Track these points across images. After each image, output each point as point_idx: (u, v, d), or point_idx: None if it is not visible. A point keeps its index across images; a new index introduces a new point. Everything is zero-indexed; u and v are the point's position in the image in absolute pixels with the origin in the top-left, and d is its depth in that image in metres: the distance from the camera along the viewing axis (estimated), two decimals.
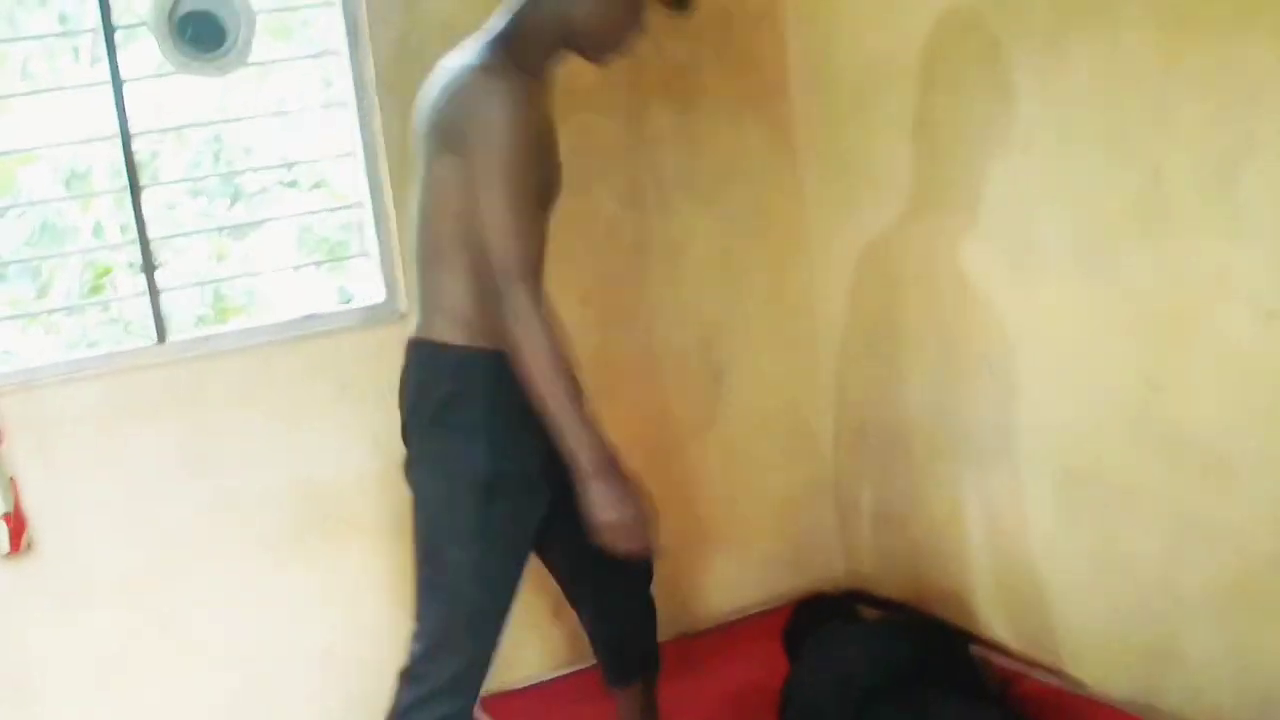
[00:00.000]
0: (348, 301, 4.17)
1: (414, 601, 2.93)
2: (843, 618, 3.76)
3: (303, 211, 4.70)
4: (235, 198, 5.96)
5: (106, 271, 5.95)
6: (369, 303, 3.93)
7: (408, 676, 2.91)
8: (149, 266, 3.71)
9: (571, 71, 2.97)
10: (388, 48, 3.81)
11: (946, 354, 3.93)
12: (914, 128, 3.83)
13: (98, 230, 5.92)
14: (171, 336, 3.76)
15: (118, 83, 3.63)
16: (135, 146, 3.71)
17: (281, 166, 4.81)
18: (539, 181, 2.75)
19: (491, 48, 2.76)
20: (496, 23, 2.84)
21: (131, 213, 3.71)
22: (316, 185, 5.47)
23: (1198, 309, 3.16)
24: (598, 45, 2.85)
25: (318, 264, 4.59)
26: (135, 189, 3.69)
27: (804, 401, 4.51)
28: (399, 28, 3.81)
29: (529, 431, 2.73)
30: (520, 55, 2.75)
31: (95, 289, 6.03)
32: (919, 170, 3.86)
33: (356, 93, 3.84)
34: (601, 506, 2.68)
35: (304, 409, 3.83)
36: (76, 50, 5.72)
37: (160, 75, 3.77)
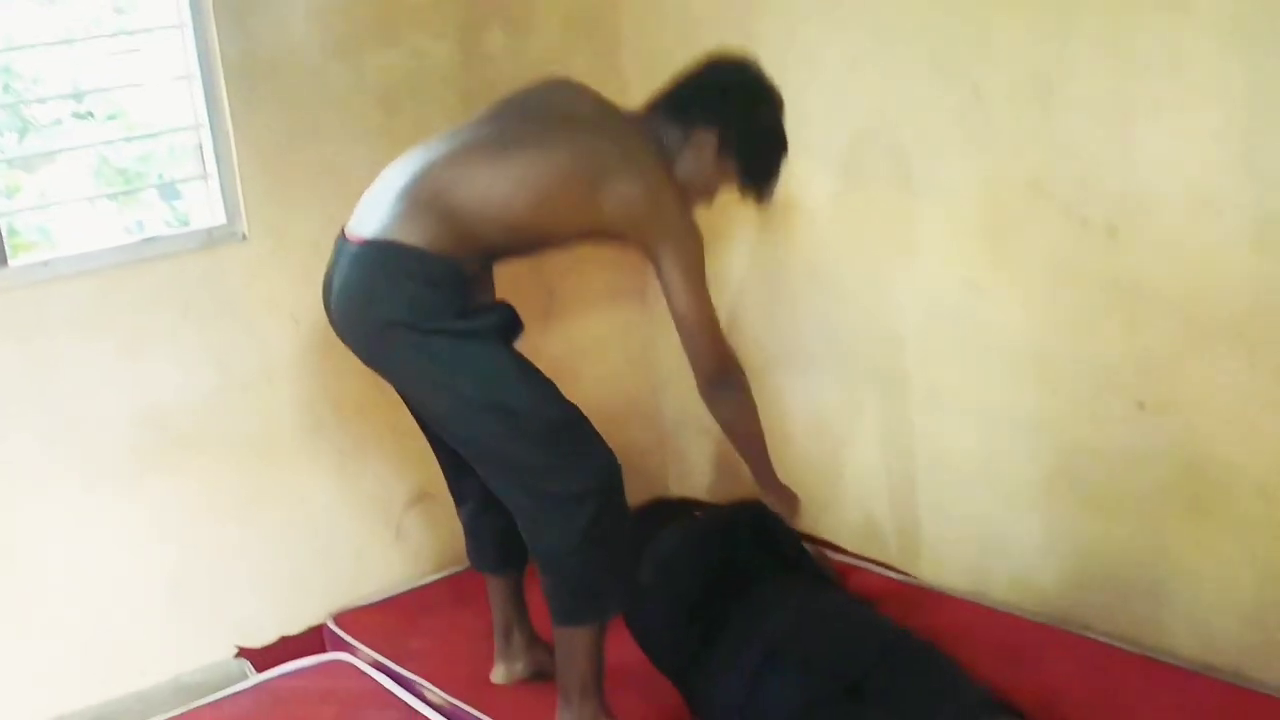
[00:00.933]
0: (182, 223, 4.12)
1: (496, 480, 3.09)
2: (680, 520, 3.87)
3: (134, 137, 4.58)
4: (24, 130, 5.80)
5: None
6: (209, 225, 3.90)
7: (548, 521, 3.03)
8: None
9: None
10: None
11: (775, 267, 4.08)
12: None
13: None
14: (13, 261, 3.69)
15: None
16: None
17: (73, 96, 4.70)
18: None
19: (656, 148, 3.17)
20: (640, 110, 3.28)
21: None
22: (112, 116, 5.36)
23: (1015, 217, 3.36)
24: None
25: (131, 190, 4.48)
26: None
27: (635, 323, 4.64)
28: None
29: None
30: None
31: None
32: None
33: (193, 13, 3.79)
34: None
35: (146, 333, 3.81)
36: None
37: None
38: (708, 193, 3.25)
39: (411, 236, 2.99)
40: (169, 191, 4.58)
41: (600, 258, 3.94)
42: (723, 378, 3.18)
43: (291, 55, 3.90)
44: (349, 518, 4.22)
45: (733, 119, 3.17)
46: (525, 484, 3.01)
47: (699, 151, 3.16)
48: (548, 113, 3.19)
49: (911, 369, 3.74)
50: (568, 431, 3.02)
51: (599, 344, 4.61)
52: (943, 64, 3.41)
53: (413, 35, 4.05)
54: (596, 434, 3.07)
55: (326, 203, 3.87)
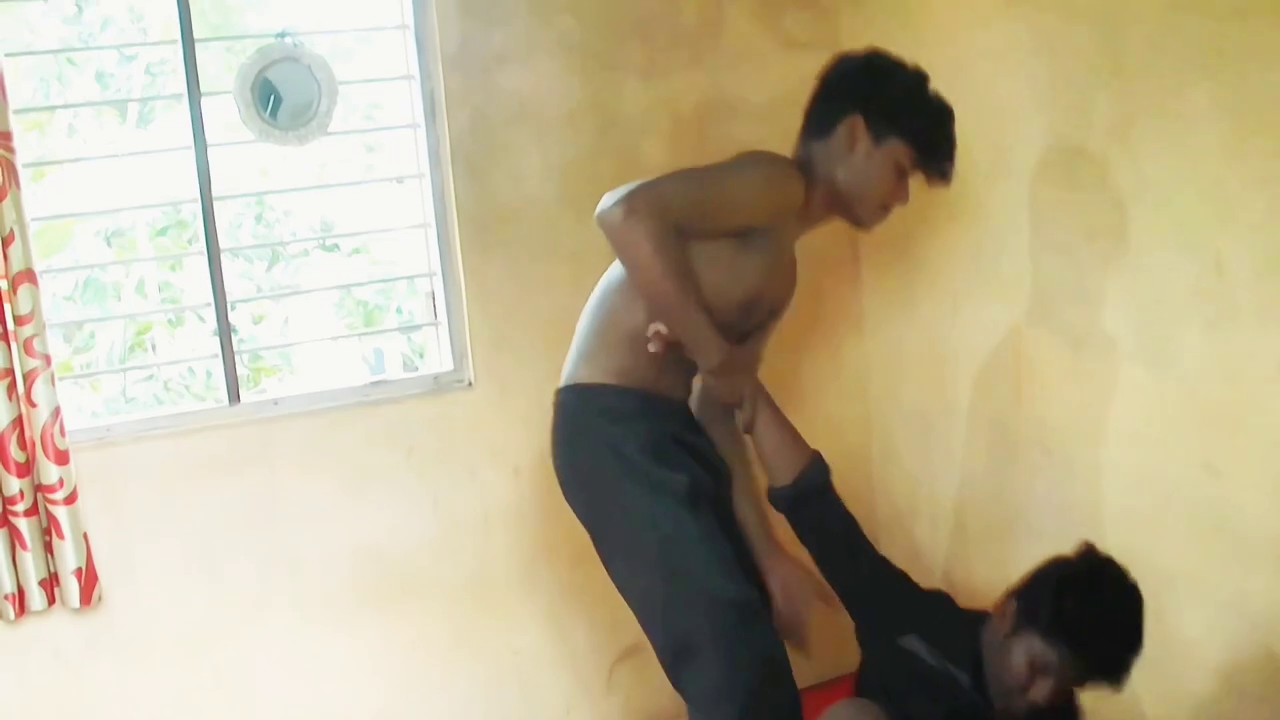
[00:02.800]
0: (414, 368, 4.21)
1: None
2: None
3: (384, 280, 4.74)
4: (274, 260, 6.07)
5: (147, 329, 6.05)
6: (436, 370, 3.98)
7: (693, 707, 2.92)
8: (224, 329, 3.78)
9: None
10: (464, 122, 3.89)
11: (1001, 436, 3.97)
12: (971, 220, 3.90)
13: (140, 288, 6.03)
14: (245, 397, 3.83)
15: (201, 146, 3.72)
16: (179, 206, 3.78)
17: (325, 234, 4.91)
18: (742, 223, 2.96)
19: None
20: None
21: (209, 278, 3.77)
22: (356, 251, 5.57)
23: (1257, 397, 3.20)
24: (861, 208, 3.09)
25: (373, 332, 4.63)
26: (214, 254, 3.76)
27: (856, 481, 4.55)
28: (475, 103, 3.90)
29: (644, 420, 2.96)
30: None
31: (137, 345, 6.13)
32: (976, 260, 3.91)
33: (431, 165, 3.92)
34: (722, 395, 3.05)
35: (368, 474, 3.88)
36: (123, 113, 5.85)
37: (242, 143, 3.85)
38: (884, 188, 3.05)
39: (593, 374, 3.03)
40: (408, 325, 4.71)
41: (823, 422, 3.89)
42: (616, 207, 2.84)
43: (526, 207, 3.98)
44: (559, 667, 4.19)
45: (872, 95, 3.01)
46: (671, 659, 2.89)
47: (852, 145, 3.01)
48: None
49: (1142, 549, 3.57)
50: (733, 613, 2.83)
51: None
52: (1185, 235, 3.29)
53: None
54: (768, 627, 2.92)
55: (553, 353, 3.86)
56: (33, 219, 3.52)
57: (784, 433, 3.15)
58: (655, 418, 2.98)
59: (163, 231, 5.96)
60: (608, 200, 2.83)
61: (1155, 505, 3.50)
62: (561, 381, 3.11)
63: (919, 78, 3.07)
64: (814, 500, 3.15)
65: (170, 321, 6.10)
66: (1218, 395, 3.27)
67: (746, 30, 4.06)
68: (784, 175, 2.98)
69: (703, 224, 2.89)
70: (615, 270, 3.07)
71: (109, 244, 5.97)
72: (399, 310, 5.90)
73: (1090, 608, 2.89)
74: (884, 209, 3.10)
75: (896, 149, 3.01)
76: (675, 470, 2.91)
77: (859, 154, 3.02)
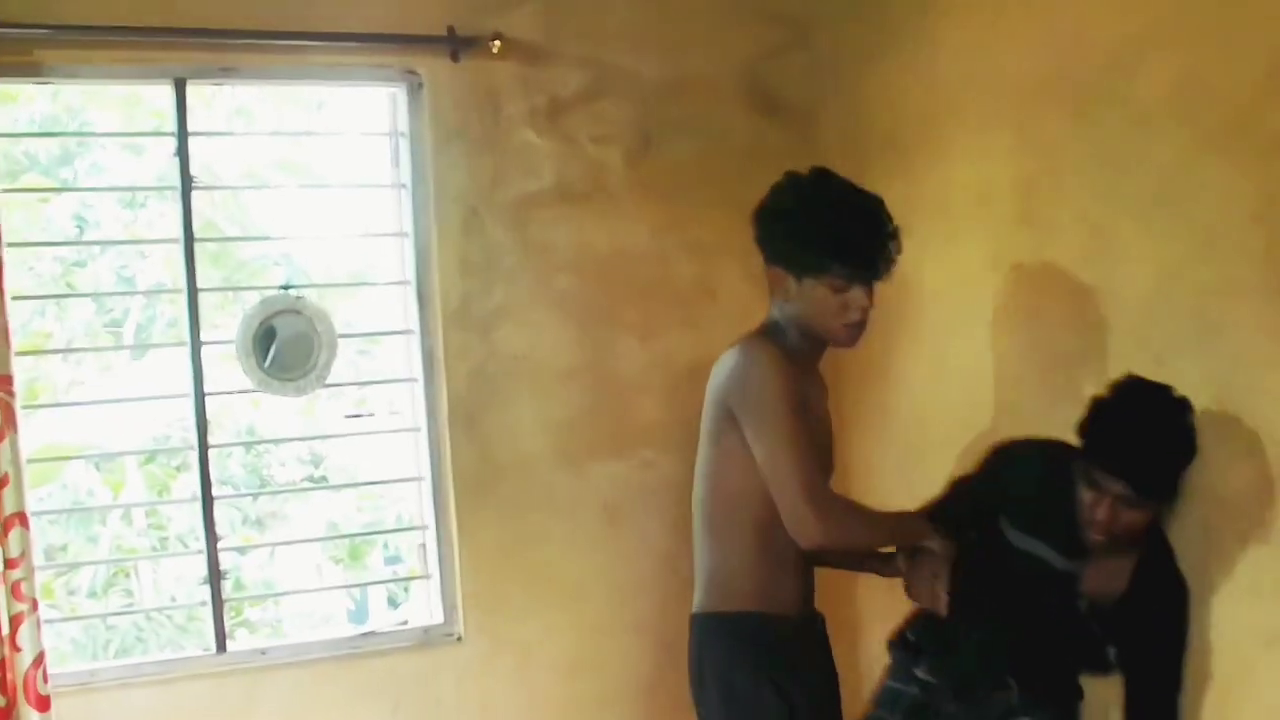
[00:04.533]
0: (400, 621, 4.20)
1: None
2: None
3: (377, 531, 4.77)
4: (273, 491, 6.08)
5: (132, 552, 6.03)
6: (426, 623, 3.97)
7: None
8: (215, 576, 3.78)
9: None
10: (462, 378, 3.95)
11: None
12: None
13: (126, 514, 6.04)
14: (231, 645, 3.81)
15: (199, 400, 3.75)
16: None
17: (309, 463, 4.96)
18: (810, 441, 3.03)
19: (754, 334, 3.15)
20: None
21: (201, 523, 3.78)
22: (341, 486, 5.59)
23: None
24: (826, 335, 3.15)
25: (362, 584, 4.65)
26: (208, 500, 3.77)
27: None
28: (474, 360, 3.96)
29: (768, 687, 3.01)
30: (783, 344, 3.11)
31: (120, 572, 6.11)
32: None
33: (428, 418, 3.96)
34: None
35: None
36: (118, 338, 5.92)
37: (240, 393, 3.89)
38: (830, 311, 3.09)
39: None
40: (393, 558, 4.70)
41: None
42: (802, 510, 2.95)
43: (521, 462, 4.01)
44: None
45: (775, 243, 3.12)
46: None
47: (785, 293, 3.12)
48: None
49: None
50: None
51: None
52: None
53: (642, 449, 4.13)
54: None
55: (544, 609, 3.95)
56: (29, 460, 3.54)
57: None
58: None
59: (151, 459, 5.98)
60: (793, 521, 2.95)
61: None
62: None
63: (818, 203, 3.11)
64: None
65: (154, 548, 6.08)
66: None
67: (740, 291, 4.13)
68: (776, 369, 3.02)
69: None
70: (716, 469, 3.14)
71: (98, 469, 5.98)
72: (385, 545, 5.89)
73: (1121, 422, 2.92)
74: (847, 326, 3.12)
75: (820, 280, 3.07)
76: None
77: (795, 295, 3.10)
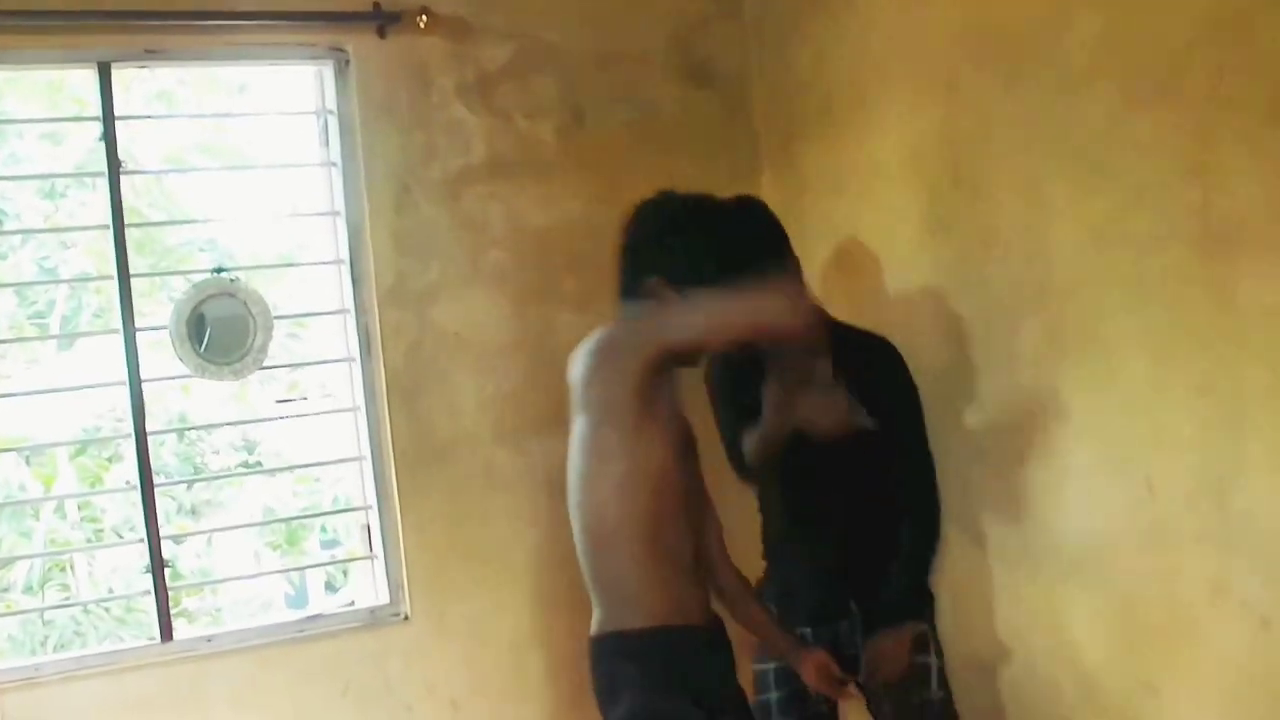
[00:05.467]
0: (347, 602, 4.17)
1: None
2: None
3: (320, 513, 4.73)
4: (207, 478, 6.03)
5: (67, 545, 5.95)
6: (372, 604, 3.95)
7: None
8: (157, 565, 3.74)
9: None
10: (399, 356, 3.93)
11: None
12: None
13: (59, 507, 5.97)
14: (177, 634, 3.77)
15: (135, 387, 3.71)
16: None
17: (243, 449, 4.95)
18: None
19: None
20: None
21: (141, 513, 3.73)
22: (280, 470, 5.56)
23: (1194, 617, 3.23)
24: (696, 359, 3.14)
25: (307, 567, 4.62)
26: (148, 489, 3.73)
27: None
28: (410, 337, 3.94)
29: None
30: None
31: (55, 566, 6.05)
32: None
33: (366, 398, 3.93)
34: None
35: (304, 711, 3.81)
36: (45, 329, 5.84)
37: (177, 378, 3.85)
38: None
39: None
40: (330, 541, 4.68)
41: None
42: None
43: (462, 440, 4.00)
44: None
45: (666, 253, 3.04)
46: None
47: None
48: None
49: None
50: None
51: None
52: (1116, 458, 3.34)
53: None
54: None
55: (490, 587, 3.94)
56: None
57: None
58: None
59: (81, 451, 5.90)
60: None
61: None
62: None
63: (713, 217, 3.10)
64: None
65: (89, 540, 6.00)
66: (1153, 616, 3.29)
67: None
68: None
69: None
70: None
71: (28, 463, 5.90)
72: (323, 529, 5.85)
73: None
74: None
75: None
76: None
77: None
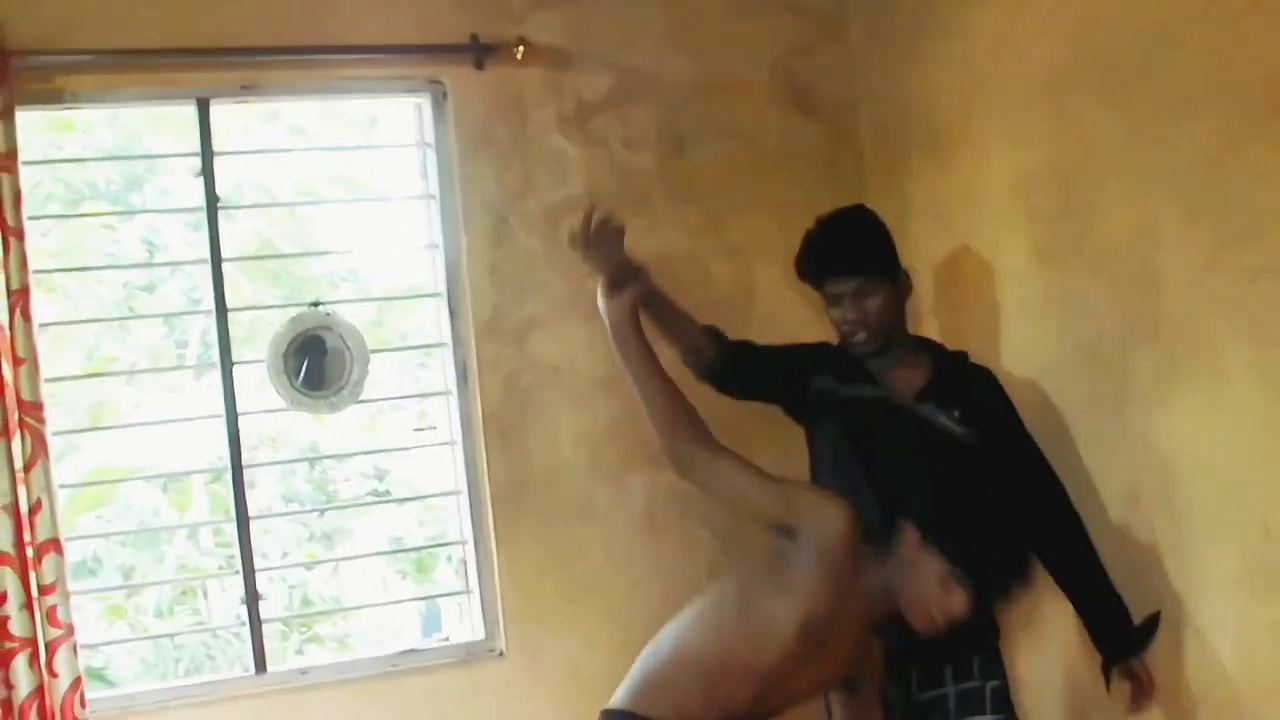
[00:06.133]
0: (442, 637, 4.17)
1: None
2: None
3: (418, 547, 4.76)
4: (326, 509, 6.08)
5: (198, 572, 6.05)
6: (468, 639, 3.92)
7: None
8: (252, 598, 3.76)
9: None
10: (496, 389, 3.91)
11: None
12: None
13: (192, 533, 6.06)
14: (271, 665, 3.79)
15: (232, 415, 3.75)
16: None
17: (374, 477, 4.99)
18: None
19: None
20: None
21: (237, 544, 3.77)
22: (408, 499, 5.60)
23: None
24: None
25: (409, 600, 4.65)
26: (243, 520, 3.76)
27: None
28: (508, 369, 3.91)
29: None
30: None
31: (188, 591, 6.14)
32: None
33: (463, 431, 3.92)
34: None
35: None
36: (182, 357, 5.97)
37: (273, 411, 3.88)
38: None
39: None
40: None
41: None
42: None
43: (559, 474, 3.96)
44: None
45: None
46: None
47: None
48: None
49: None
50: None
51: None
52: (1230, 499, 3.17)
53: None
54: None
55: (586, 623, 3.89)
56: (61, 485, 3.55)
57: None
58: None
59: (218, 478, 5.99)
60: None
61: None
62: None
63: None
64: None
65: (221, 568, 6.10)
66: (1266, 665, 3.12)
67: (778, 292, 4.06)
68: None
69: None
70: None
71: (164, 490, 6.01)
72: (449, 558, 5.87)
73: (811, 236, 3.37)
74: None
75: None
76: None
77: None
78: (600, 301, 2.95)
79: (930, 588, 2.72)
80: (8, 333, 3.44)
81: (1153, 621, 3.27)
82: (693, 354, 3.41)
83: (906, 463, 3.23)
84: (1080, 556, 3.34)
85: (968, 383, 3.41)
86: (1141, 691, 3.29)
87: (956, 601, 2.71)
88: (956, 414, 3.29)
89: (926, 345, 3.51)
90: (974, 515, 2.80)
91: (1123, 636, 3.30)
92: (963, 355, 3.50)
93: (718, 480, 2.87)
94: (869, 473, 3.28)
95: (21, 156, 3.49)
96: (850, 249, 3.31)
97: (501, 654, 3.89)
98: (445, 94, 3.94)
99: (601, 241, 2.97)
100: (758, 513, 2.84)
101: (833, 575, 2.73)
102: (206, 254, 3.81)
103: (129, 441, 5.40)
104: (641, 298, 3.00)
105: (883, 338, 3.31)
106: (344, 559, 5.30)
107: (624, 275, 2.95)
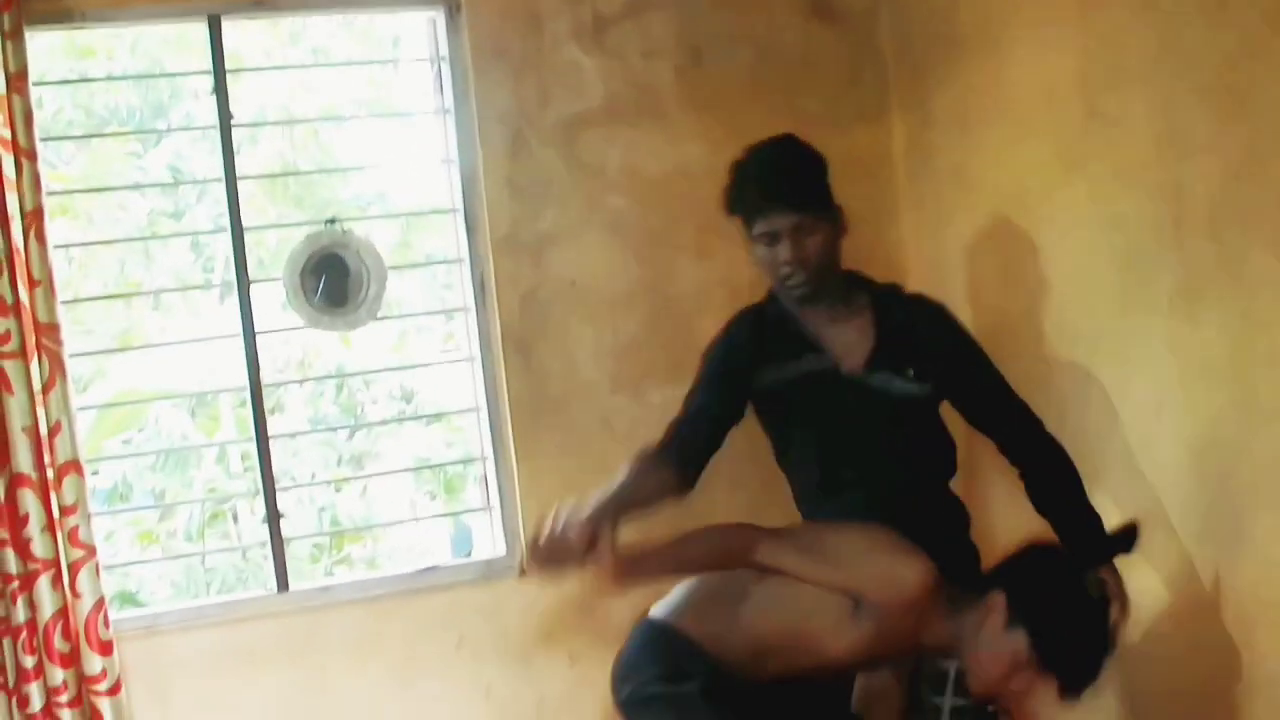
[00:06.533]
0: (467, 552, 4.17)
1: None
2: None
3: (437, 464, 4.75)
4: (354, 429, 6.10)
5: (227, 498, 6.08)
6: (488, 556, 3.92)
7: None
8: (273, 517, 3.76)
9: None
10: (514, 304, 3.88)
11: None
12: (1041, 392, 3.75)
13: (221, 456, 6.08)
14: (292, 583, 3.81)
15: (250, 335, 3.74)
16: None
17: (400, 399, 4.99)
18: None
19: None
20: None
21: (257, 463, 3.76)
22: (435, 418, 5.60)
23: None
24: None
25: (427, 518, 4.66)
26: (263, 440, 3.76)
27: None
28: (526, 285, 3.88)
29: None
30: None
31: (218, 515, 6.17)
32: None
33: (482, 348, 3.89)
34: None
35: (419, 662, 3.81)
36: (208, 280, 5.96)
37: (290, 329, 3.87)
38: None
39: None
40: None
41: None
42: None
43: (578, 389, 3.94)
44: None
45: None
46: None
47: None
48: None
49: None
50: None
51: None
52: (1256, 406, 3.11)
53: None
54: None
55: None
56: (80, 408, 3.55)
57: None
58: None
59: (245, 402, 6.02)
60: None
61: None
62: None
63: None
64: None
65: (250, 490, 6.15)
66: None
67: None
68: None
69: None
70: None
71: (193, 416, 6.03)
72: (475, 478, 5.88)
73: (742, 170, 3.05)
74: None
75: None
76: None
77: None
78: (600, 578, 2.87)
79: (1003, 664, 2.69)
80: (23, 254, 3.43)
81: (1130, 532, 3.16)
82: (662, 494, 3.11)
83: (865, 436, 3.11)
84: (1056, 479, 3.19)
85: (917, 332, 3.17)
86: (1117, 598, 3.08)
87: (1025, 684, 2.69)
88: (911, 373, 3.12)
89: (860, 283, 3.22)
90: (1072, 617, 2.73)
91: (1094, 545, 3.10)
92: (896, 290, 3.27)
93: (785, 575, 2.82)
94: (828, 450, 3.14)
95: (44, 80, 3.47)
96: (790, 183, 3.02)
97: (523, 571, 3.88)
98: (459, 6, 3.88)
99: (555, 551, 2.82)
100: (828, 588, 2.79)
101: (890, 630, 2.72)
102: (221, 174, 3.77)
103: (155, 365, 5.44)
104: (610, 532, 2.82)
105: (819, 279, 3.05)
106: (365, 476, 5.29)
107: (592, 552, 2.79)
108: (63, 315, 3.49)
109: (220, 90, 3.74)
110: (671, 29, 4.03)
